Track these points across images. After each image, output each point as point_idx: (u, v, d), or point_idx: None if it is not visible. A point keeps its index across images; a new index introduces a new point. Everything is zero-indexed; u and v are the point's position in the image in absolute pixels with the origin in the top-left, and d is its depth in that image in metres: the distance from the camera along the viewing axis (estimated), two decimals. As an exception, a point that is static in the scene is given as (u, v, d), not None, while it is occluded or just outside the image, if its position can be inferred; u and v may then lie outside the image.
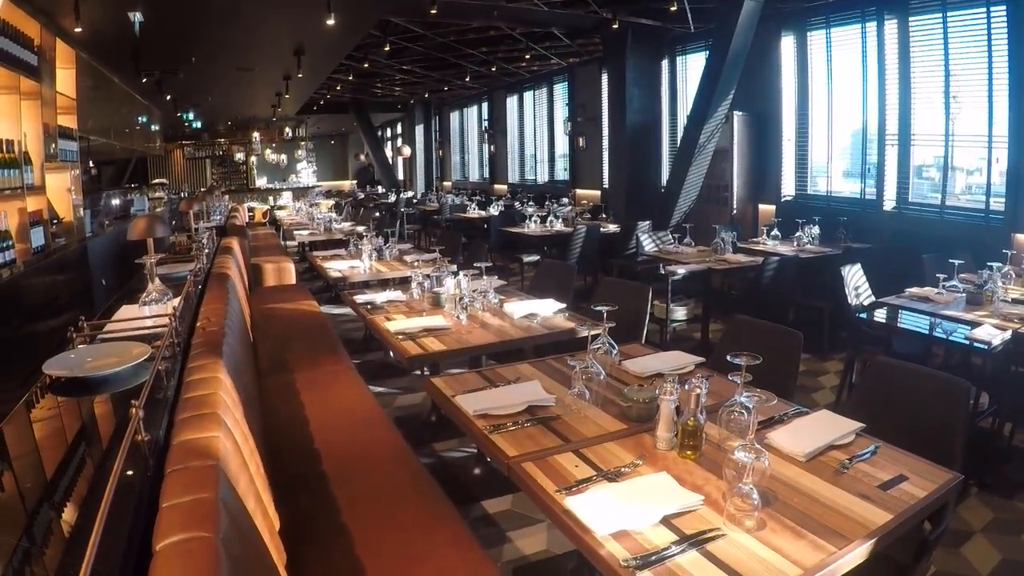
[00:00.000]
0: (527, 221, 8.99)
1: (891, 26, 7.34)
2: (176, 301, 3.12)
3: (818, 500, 1.74)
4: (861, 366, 4.35)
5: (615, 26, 9.39)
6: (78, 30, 6.01)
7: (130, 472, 1.45)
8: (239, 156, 21.44)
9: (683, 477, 1.86)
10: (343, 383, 3.74)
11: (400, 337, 3.34)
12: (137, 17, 6.35)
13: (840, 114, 8.36)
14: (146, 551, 1.20)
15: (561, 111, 14.67)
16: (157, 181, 17.01)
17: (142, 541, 1.26)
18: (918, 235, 6.76)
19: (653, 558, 1.50)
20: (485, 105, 18.54)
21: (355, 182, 23.76)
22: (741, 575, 1.45)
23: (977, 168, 6.92)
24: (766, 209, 8.98)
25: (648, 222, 8.15)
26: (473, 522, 3.24)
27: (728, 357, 1.92)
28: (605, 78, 12.01)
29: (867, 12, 7.59)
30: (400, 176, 23.98)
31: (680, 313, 6.44)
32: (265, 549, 1.56)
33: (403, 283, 4.65)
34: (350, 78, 15.27)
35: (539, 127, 15.98)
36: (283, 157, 22.68)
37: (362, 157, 22.69)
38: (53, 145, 5.81)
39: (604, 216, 10.03)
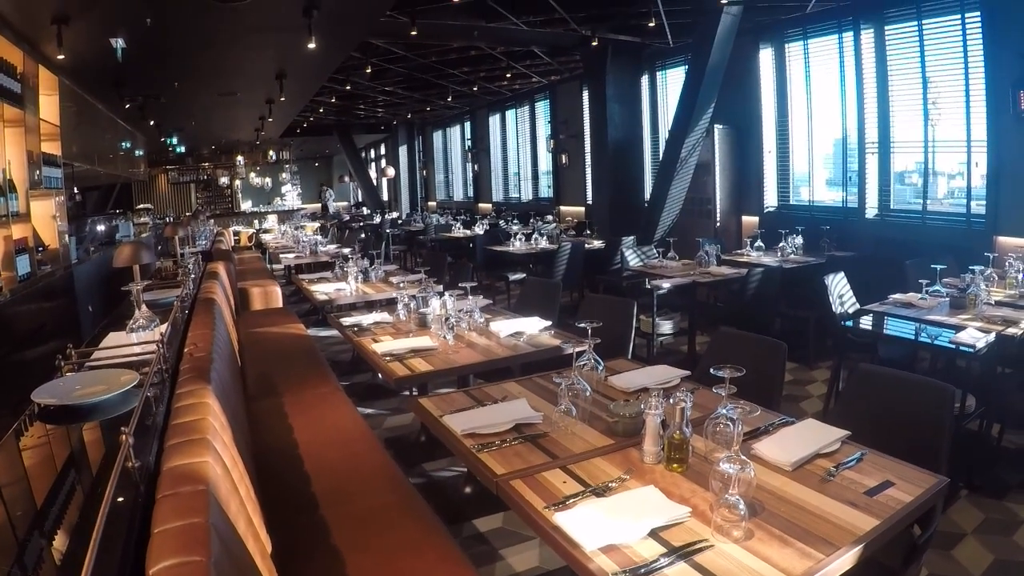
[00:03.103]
0: (512, 239, 9.01)
1: (867, 36, 7.47)
2: (163, 327, 3.13)
3: (805, 508, 1.76)
4: (847, 374, 4.38)
5: (595, 43, 9.49)
6: (61, 57, 6.01)
7: (121, 499, 1.46)
8: (223, 180, 21.32)
9: (670, 490, 1.88)
10: (331, 405, 3.74)
11: (387, 359, 3.35)
12: (119, 44, 6.35)
13: (820, 124, 8.47)
14: (139, 577, 1.20)
15: (544, 129, 14.75)
16: (142, 206, 16.96)
17: (135, 567, 1.26)
18: (901, 241, 6.84)
19: (642, 571, 1.51)
20: (468, 124, 18.63)
21: (341, 205, 23.72)
22: (730, 585, 1.46)
23: (958, 172, 7.00)
24: (749, 220, 9.06)
25: (632, 237, 8.20)
26: (465, 540, 3.24)
27: (711, 370, 1.94)
28: (586, 95, 12.09)
29: (843, 23, 7.72)
30: (384, 197, 24.02)
31: (666, 327, 6.47)
32: (257, 572, 1.56)
33: (389, 304, 4.65)
34: (333, 100, 15.33)
35: (522, 145, 16.08)
36: (268, 180, 22.66)
37: (346, 178, 22.68)
38: (37, 172, 5.79)
39: (588, 232, 10.06)
